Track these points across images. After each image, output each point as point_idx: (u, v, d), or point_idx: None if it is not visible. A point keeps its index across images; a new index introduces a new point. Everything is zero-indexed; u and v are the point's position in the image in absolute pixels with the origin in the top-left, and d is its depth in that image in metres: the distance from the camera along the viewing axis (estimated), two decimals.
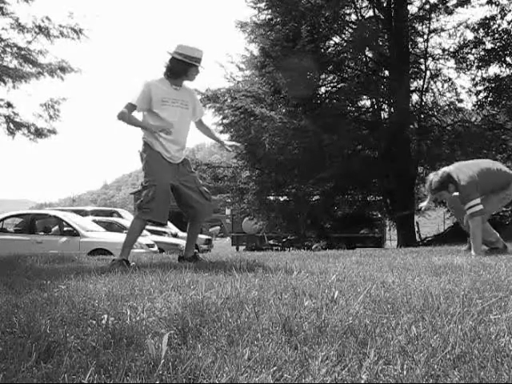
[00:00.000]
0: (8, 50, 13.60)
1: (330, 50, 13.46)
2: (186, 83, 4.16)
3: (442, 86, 13.40)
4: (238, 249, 18.50)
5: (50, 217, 11.56)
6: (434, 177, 4.90)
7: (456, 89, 13.39)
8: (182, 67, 3.97)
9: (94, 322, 1.66)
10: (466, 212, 4.77)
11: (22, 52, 13.62)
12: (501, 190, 4.89)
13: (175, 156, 4.05)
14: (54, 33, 13.86)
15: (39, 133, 14.44)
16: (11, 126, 14.28)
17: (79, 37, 14.13)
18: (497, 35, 12.70)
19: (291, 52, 11.76)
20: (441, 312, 1.71)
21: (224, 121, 13.00)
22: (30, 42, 13.76)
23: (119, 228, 12.91)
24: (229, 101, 12.64)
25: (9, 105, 14.28)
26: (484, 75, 12.99)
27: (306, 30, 11.64)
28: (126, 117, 3.96)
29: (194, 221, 4.27)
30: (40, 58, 13.97)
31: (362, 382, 1.15)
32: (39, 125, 14.56)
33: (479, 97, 13.12)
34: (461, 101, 13.47)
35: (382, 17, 13.30)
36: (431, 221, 20.52)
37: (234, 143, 4.72)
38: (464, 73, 13.16)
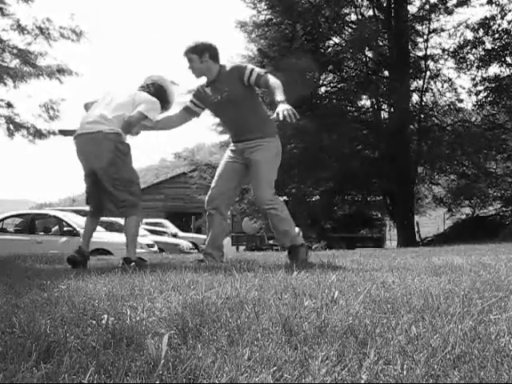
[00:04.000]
0: (8, 50, 13.59)
1: (329, 49, 13.46)
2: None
3: (442, 86, 13.42)
4: (238, 249, 18.47)
5: (50, 217, 11.56)
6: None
7: (456, 89, 13.41)
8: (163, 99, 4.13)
9: (94, 322, 1.66)
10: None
11: (21, 54, 13.61)
12: None
13: None
14: (54, 34, 13.87)
15: (39, 134, 14.41)
16: (11, 126, 14.26)
17: (79, 39, 14.13)
18: (497, 35, 12.71)
19: (290, 52, 11.76)
20: (441, 312, 1.71)
21: None
22: (29, 44, 13.76)
23: (119, 228, 12.88)
24: None
25: (9, 105, 14.25)
26: (484, 75, 13.01)
27: (301, 29, 11.64)
28: None
29: (96, 215, 4.11)
30: (39, 59, 13.96)
31: (362, 381, 1.15)
32: (39, 126, 14.54)
33: (479, 97, 13.14)
34: (461, 101, 13.49)
35: (381, 17, 13.32)
36: (431, 221, 20.51)
37: None
38: (464, 73, 13.17)
